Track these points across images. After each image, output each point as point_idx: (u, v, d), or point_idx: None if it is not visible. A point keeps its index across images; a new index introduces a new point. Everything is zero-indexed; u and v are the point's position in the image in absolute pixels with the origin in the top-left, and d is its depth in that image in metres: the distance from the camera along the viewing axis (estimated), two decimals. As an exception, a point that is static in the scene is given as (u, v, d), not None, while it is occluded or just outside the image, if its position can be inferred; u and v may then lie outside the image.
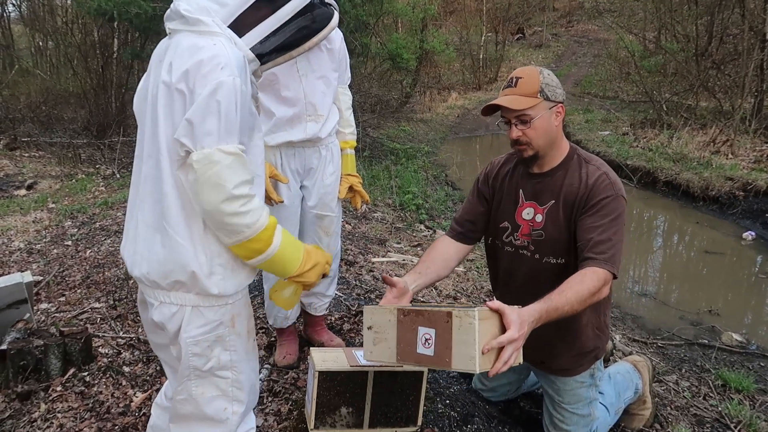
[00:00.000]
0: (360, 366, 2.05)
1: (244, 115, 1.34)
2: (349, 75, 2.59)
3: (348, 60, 2.56)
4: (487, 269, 2.43)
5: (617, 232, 1.84)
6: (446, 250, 2.16)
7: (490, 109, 1.97)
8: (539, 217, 2.00)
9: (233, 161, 1.28)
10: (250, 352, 1.57)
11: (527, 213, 2.04)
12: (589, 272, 1.74)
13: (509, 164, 2.14)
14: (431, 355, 1.56)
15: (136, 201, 1.44)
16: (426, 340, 1.57)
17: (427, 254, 2.14)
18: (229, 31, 1.35)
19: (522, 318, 1.53)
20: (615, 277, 1.80)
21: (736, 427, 2.58)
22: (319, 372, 2.00)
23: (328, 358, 2.10)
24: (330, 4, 1.56)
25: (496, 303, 1.54)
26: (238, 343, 1.50)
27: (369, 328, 1.71)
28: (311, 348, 2.21)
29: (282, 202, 2.30)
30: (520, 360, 1.55)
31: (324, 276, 1.59)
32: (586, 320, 2.01)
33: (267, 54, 1.42)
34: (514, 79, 1.92)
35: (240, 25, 1.36)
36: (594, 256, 1.79)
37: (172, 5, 1.38)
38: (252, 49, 1.39)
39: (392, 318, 1.66)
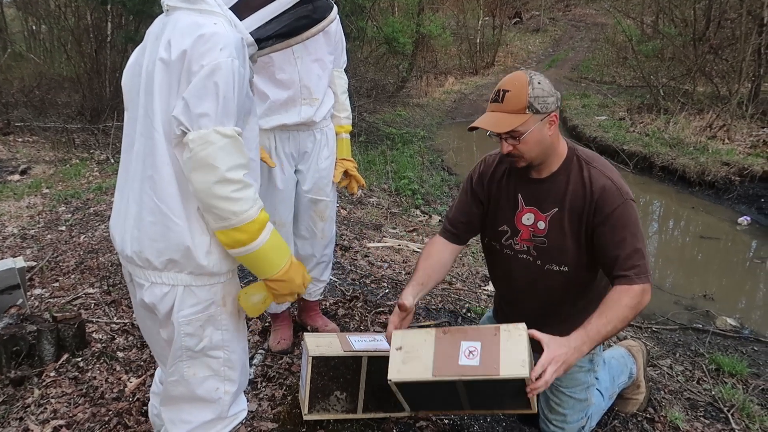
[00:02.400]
0: (354, 351, 2.04)
1: (241, 98, 1.33)
2: (345, 58, 2.56)
3: (344, 43, 2.53)
4: (483, 255, 2.42)
5: (639, 239, 1.82)
6: (442, 256, 2.11)
7: (475, 128, 1.88)
8: (541, 224, 1.95)
9: (228, 143, 1.27)
10: (240, 331, 1.57)
11: (527, 218, 1.98)
12: (624, 291, 1.76)
13: (505, 164, 2.04)
14: (477, 365, 1.60)
15: (127, 179, 1.42)
16: (470, 352, 1.63)
17: (423, 261, 2.08)
18: (230, 12, 1.35)
19: (559, 351, 1.63)
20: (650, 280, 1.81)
21: (729, 411, 2.60)
22: (313, 357, 1.99)
23: (322, 343, 2.09)
24: None
25: (536, 333, 1.65)
26: (229, 322, 1.50)
27: (398, 348, 1.72)
28: (305, 333, 2.21)
29: (274, 166, 2.29)
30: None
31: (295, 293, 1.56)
32: (587, 311, 1.92)
33: (265, 39, 1.41)
34: (501, 93, 1.80)
35: (242, 8, 1.35)
36: (626, 273, 1.79)
37: None
38: (251, 34, 1.38)
39: (429, 338, 1.71)
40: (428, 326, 2.98)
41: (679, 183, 7.79)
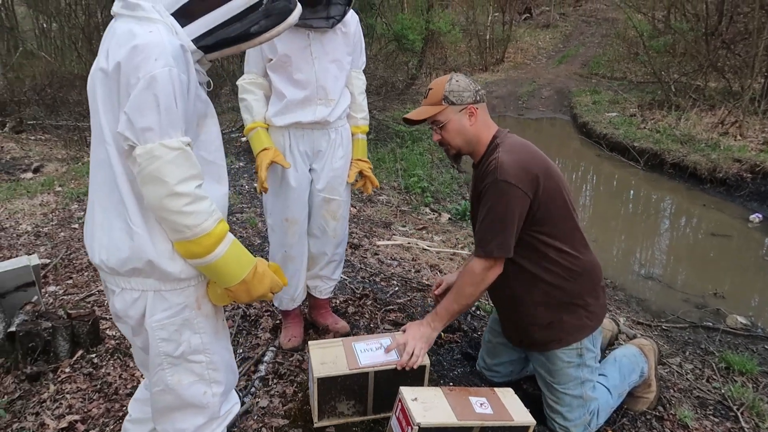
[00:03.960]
0: (359, 368, 2.05)
1: (188, 105, 1.28)
2: (364, 59, 2.56)
3: (363, 44, 2.52)
4: None
5: (497, 217, 1.97)
6: None
7: (409, 120, 2.17)
8: (470, 208, 2.24)
9: (176, 156, 1.23)
10: (220, 332, 1.54)
11: (470, 205, 2.28)
12: (468, 270, 2.06)
13: None
14: (492, 413, 1.89)
15: (94, 187, 1.40)
16: (481, 404, 1.92)
17: None
18: (171, 18, 1.28)
19: (413, 328, 2.11)
20: (496, 257, 2.01)
21: (738, 409, 2.59)
22: (319, 379, 2.00)
23: (327, 359, 2.08)
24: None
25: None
26: (206, 324, 1.46)
27: (414, 399, 1.88)
28: (309, 343, 2.19)
29: (289, 167, 2.33)
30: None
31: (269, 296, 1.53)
32: (532, 299, 2.13)
33: (212, 45, 1.34)
34: (427, 90, 2.14)
35: (185, 14, 1.28)
36: (476, 248, 2.06)
37: None
38: (196, 40, 1.32)
39: (438, 393, 1.94)
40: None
41: (690, 180, 7.73)
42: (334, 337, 2.65)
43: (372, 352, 2.12)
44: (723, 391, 2.78)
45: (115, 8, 1.29)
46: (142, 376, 2.46)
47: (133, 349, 1.62)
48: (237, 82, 2.41)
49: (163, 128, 1.22)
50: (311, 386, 2.09)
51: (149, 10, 1.26)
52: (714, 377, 2.97)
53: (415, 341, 2.05)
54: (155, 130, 1.21)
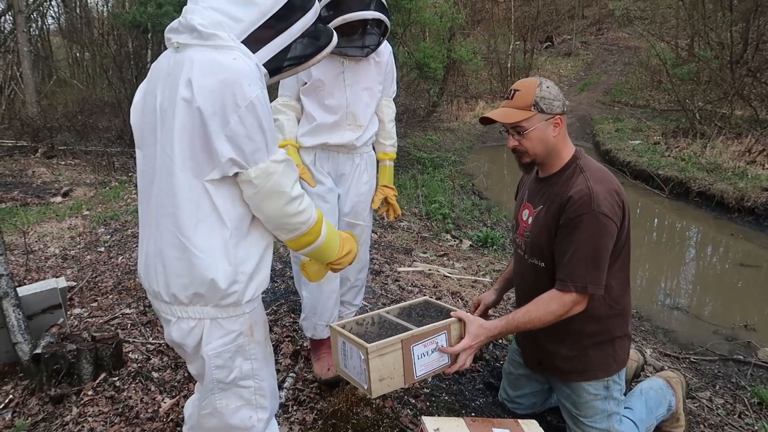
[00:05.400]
0: (414, 380, 1.89)
1: None
2: (395, 88, 2.60)
3: (395, 73, 2.56)
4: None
5: (591, 250, 1.88)
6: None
7: (488, 119, 2.05)
8: (530, 219, 2.11)
9: (285, 167, 1.38)
10: (268, 358, 1.59)
11: (525, 214, 2.16)
12: (557, 296, 1.92)
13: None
14: None
15: (148, 218, 1.44)
16: None
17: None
18: (243, 46, 1.35)
19: (479, 331, 1.92)
20: (589, 293, 1.91)
21: (773, 447, 2.50)
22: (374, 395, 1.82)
23: (385, 373, 1.80)
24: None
25: (460, 313, 1.96)
26: (257, 350, 1.52)
27: (436, 430, 1.85)
28: (362, 342, 1.87)
29: (315, 186, 2.36)
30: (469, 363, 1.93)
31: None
32: (566, 328, 2.05)
33: (276, 69, 1.44)
34: (512, 92, 2.01)
35: (252, 41, 1.36)
36: (563, 279, 1.92)
37: (181, 18, 1.36)
38: (264, 65, 1.41)
39: (460, 423, 1.90)
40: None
41: (716, 209, 7.60)
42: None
43: (428, 357, 1.90)
44: (756, 428, 2.68)
45: (182, 39, 1.34)
46: (163, 400, 2.46)
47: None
48: (271, 104, 2.45)
49: (269, 146, 1.35)
50: (358, 366, 1.86)
51: (225, 39, 1.32)
52: (746, 413, 2.87)
53: (467, 354, 1.91)
54: (263, 150, 1.33)
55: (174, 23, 1.38)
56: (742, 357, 3.73)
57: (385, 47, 2.41)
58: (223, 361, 1.45)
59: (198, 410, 1.56)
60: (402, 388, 2.00)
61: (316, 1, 1.48)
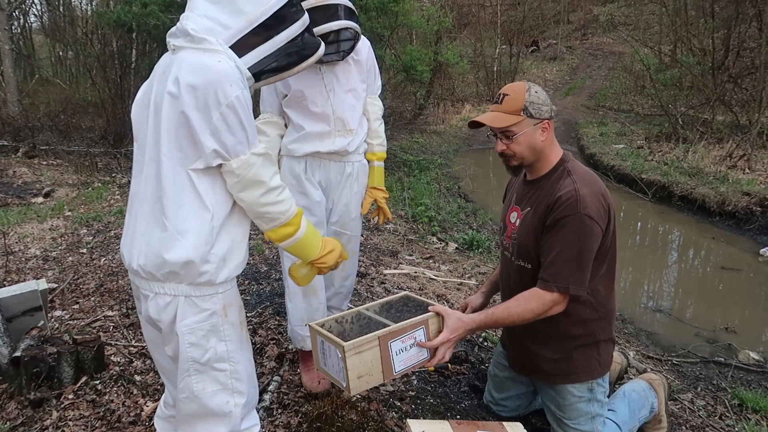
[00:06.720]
0: (393, 376, 1.88)
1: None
2: (380, 84, 2.55)
3: (377, 69, 2.52)
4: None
5: (575, 251, 1.90)
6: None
7: (476, 123, 2.07)
8: (518, 222, 2.14)
9: (264, 159, 1.50)
10: (244, 343, 1.64)
11: (512, 216, 2.18)
12: (538, 295, 1.93)
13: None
14: None
15: (135, 200, 1.55)
16: None
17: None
18: (230, 50, 1.47)
19: (457, 324, 1.90)
20: (571, 294, 1.93)
21: (753, 449, 2.53)
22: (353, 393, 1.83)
23: (363, 370, 1.80)
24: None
25: (438, 307, 1.95)
26: (232, 332, 1.58)
27: None
28: (336, 339, 1.86)
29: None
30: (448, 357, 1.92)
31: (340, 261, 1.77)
32: (552, 329, 2.07)
33: (260, 73, 1.54)
34: (501, 96, 2.02)
35: (240, 47, 1.48)
36: (545, 277, 1.94)
37: (178, 24, 1.50)
38: (249, 69, 1.51)
39: (445, 426, 1.93)
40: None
41: (698, 213, 7.70)
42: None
43: (406, 353, 1.90)
44: (737, 429, 2.72)
45: (177, 42, 1.49)
46: (145, 403, 2.43)
47: (158, 356, 1.70)
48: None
49: (249, 140, 1.48)
50: (335, 364, 1.85)
51: (214, 43, 1.45)
52: (727, 414, 2.90)
53: (446, 348, 1.89)
54: (244, 143, 1.46)
55: (173, 28, 1.51)
56: (722, 359, 3.77)
57: (363, 44, 2.36)
58: (196, 339, 1.51)
59: (177, 396, 1.60)
60: (386, 390, 2.01)
61: (305, 14, 1.58)
